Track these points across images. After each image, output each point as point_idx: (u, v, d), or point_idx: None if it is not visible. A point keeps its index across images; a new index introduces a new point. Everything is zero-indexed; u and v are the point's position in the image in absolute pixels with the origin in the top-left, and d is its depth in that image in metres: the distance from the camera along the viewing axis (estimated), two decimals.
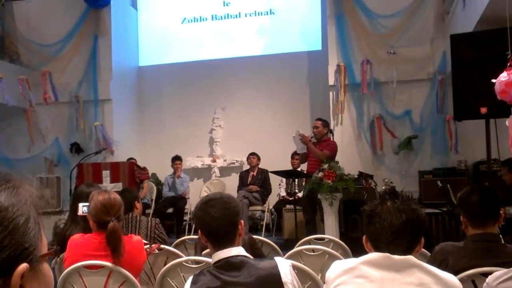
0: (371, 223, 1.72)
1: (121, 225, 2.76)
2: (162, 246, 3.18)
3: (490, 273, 1.86)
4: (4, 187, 0.79)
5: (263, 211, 7.75)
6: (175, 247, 3.50)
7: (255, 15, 9.30)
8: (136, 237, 2.81)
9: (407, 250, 1.66)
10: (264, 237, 4.69)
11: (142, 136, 9.48)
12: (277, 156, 7.95)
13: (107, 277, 2.58)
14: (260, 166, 7.93)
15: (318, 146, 6.19)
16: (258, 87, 9.00)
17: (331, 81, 7.92)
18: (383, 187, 6.23)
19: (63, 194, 8.05)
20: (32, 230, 0.79)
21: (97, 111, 8.69)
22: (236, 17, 9.38)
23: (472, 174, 7.24)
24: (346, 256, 3.41)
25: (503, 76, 3.41)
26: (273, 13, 9.24)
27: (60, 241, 3.11)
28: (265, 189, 7.73)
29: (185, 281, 1.98)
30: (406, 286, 1.59)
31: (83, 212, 2.94)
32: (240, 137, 8.84)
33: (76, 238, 2.74)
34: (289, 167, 7.29)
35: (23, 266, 0.76)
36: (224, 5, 9.42)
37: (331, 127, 7.42)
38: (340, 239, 4.29)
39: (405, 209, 1.69)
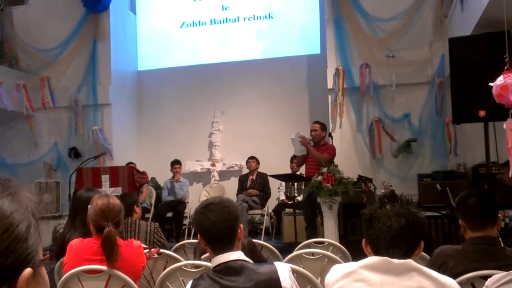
0: (371, 226, 1.72)
1: (120, 230, 2.75)
2: (161, 250, 3.18)
3: (490, 276, 1.86)
4: (5, 193, 0.79)
5: (262, 215, 7.74)
6: (174, 251, 3.49)
7: (254, 19, 9.31)
8: (136, 242, 2.81)
9: (406, 253, 1.66)
10: (264, 241, 4.67)
11: (141, 140, 9.47)
12: (276, 160, 7.95)
13: (106, 282, 2.58)
14: (260, 170, 7.93)
15: (317, 150, 6.19)
16: (257, 91, 9.00)
17: (330, 84, 7.93)
18: (382, 191, 6.22)
19: (63, 199, 8.03)
20: (33, 235, 0.80)
21: (96, 116, 8.69)
22: (235, 21, 9.38)
23: (471, 177, 7.24)
24: (345, 259, 3.41)
25: (499, 79, 3.42)
26: (272, 17, 9.25)
27: (59, 246, 3.11)
28: (265, 193, 7.73)
29: (185, 286, 1.98)
30: None
31: None
32: (239, 141, 8.83)
33: (76, 242, 2.74)
34: (289, 171, 7.28)
35: (28, 271, 0.77)
36: (223, 9, 9.43)
37: (330, 131, 7.43)
38: (340, 242, 4.28)
39: (404, 212, 1.69)
